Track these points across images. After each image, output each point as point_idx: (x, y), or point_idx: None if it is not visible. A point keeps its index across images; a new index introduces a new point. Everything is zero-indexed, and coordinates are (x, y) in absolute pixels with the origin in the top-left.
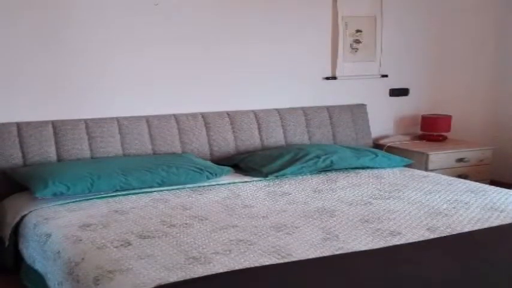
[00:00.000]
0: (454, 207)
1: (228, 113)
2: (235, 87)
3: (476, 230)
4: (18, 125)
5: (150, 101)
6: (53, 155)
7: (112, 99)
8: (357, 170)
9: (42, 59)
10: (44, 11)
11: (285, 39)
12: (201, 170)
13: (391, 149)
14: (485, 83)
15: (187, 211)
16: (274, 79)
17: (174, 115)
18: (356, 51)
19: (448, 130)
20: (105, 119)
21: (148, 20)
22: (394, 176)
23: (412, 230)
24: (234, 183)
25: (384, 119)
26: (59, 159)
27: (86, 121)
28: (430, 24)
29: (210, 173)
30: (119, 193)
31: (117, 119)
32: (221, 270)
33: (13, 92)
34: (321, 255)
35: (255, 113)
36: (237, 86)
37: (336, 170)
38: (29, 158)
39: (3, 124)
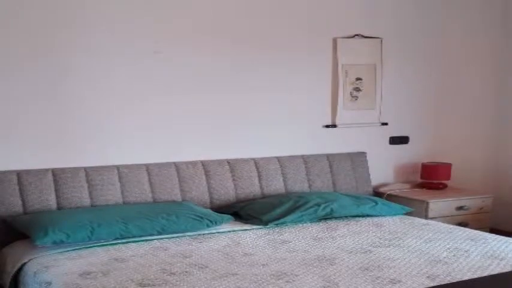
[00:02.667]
0: (454, 255)
1: (228, 161)
2: (235, 135)
3: (476, 278)
4: (18, 173)
5: (150, 149)
6: (53, 203)
7: (112, 147)
8: (357, 218)
9: (42, 107)
10: (44, 59)
11: (285, 87)
12: (201, 218)
13: (391, 197)
14: (485, 131)
15: (187, 259)
16: (274, 127)
17: (174, 163)
18: (356, 99)
19: (448, 178)
20: (105, 167)
21: (148, 69)
22: (394, 224)
23: (412, 278)
24: (234, 231)
25: (383, 167)
26: (59, 207)
27: (85, 169)
28: (430, 72)
29: (210, 221)
30: (119, 241)
31: (117, 167)
32: None
33: (13, 140)
34: None
35: (255, 161)
36: (237, 134)
37: (336, 218)
38: (29, 206)
39: (3, 172)
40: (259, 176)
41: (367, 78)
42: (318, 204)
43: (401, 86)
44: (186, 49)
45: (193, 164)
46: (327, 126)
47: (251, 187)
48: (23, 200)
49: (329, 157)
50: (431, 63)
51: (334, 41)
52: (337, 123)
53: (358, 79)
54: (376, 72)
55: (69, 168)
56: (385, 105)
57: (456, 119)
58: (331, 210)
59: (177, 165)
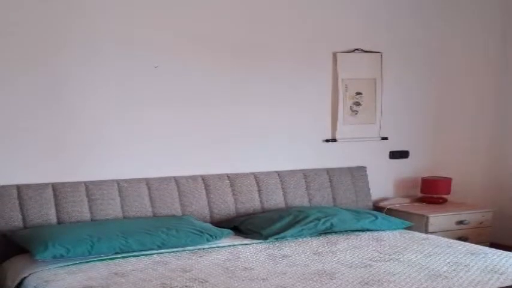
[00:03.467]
0: (454, 270)
1: (228, 176)
2: (235, 149)
3: None
4: (18, 188)
5: (150, 163)
6: (53, 217)
7: (112, 162)
8: (357, 233)
9: (42, 121)
10: (44, 72)
11: (284, 101)
12: (201, 232)
13: (391, 212)
14: (485, 146)
15: (187, 273)
16: (275, 141)
17: (174, 177)
18: (356, 114)
19: (448, 192)
20: (105, 181)
21: (148, 82)
22: (394, 238)
23: None
24: (234, 245)
25: (384, 181)
26: (59, 222)
27: (85, 183)
28: (430, 86)
29: (210, 236)
30: (119, 255)
31: (117, 181)
32: None
33: (13, 154)
34: None
35: (255, 176)
36: (237, 148)
37: (336, 232)
38: (29, 221)
39: (3, 186)
40: (259, 191)
41: (367, 93)
42: (318, 219)
43: (401, 101)
44: (186, 63)
45: (193, 178)
46: (327, 141)
47: (251, 201)
48: (23, 215)
49: (329, 171)
50: (431, 77)
51: (334, 55)
52: (337, 137)
53: (358, 93)
54: (376, 87)
55: (69, 182)
56: (385, 119)
57: (456, 133)
58: (331, 224)
59: (177, 180)
